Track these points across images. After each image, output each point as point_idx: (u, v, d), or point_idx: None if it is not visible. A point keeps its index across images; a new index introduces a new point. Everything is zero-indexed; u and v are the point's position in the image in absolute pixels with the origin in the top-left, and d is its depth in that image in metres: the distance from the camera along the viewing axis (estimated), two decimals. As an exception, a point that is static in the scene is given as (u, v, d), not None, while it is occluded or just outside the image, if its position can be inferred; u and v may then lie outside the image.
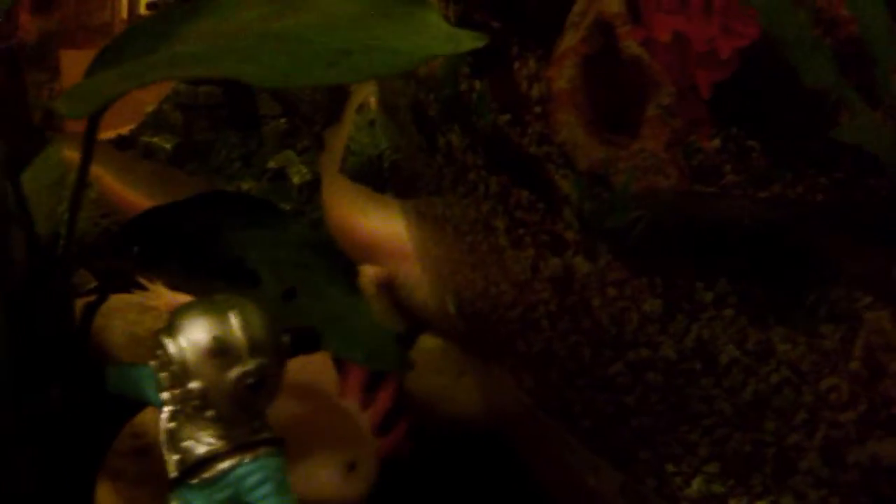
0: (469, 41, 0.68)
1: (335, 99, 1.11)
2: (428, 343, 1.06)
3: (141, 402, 0.77)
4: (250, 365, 0.66)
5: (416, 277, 1.05)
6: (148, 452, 0.87)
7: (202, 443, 0.68)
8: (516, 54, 0.90)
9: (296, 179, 1.16)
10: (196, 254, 0.71)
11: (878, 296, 0.79)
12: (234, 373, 0.65)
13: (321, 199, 1.12)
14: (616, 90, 0.85)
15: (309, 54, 0.64)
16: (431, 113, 0.97)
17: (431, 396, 1.01)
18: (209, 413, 0.67)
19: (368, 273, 1.05)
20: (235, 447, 0.68)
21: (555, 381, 0.90)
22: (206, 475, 0.68)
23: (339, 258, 0.79)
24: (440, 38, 0.69)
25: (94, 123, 0.71)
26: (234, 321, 0.66)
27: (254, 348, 0.66)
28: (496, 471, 0.95)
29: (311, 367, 0.91)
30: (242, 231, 0.74)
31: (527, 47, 0.90)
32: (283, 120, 1.17)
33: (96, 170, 1.12)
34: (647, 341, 0.84)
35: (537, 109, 0.89)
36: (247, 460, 0.68)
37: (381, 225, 1.08)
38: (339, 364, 0.93)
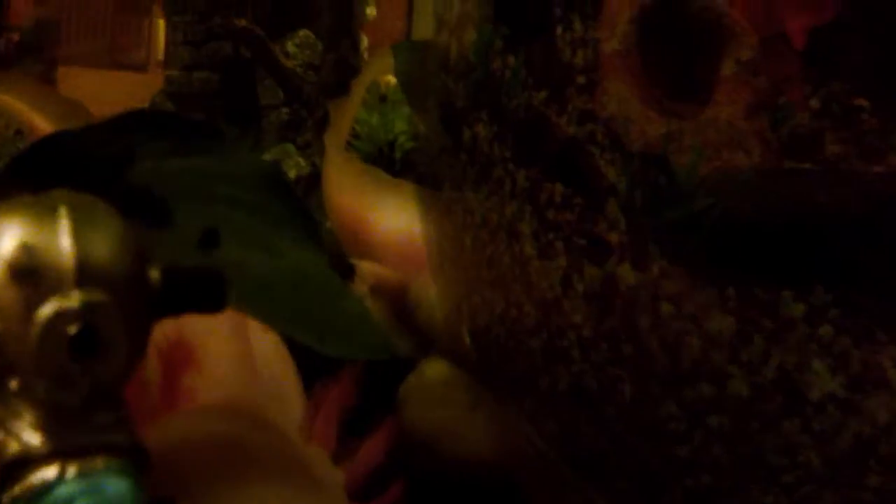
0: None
1: (341, 81, 0.95)
2: (434, 368, 0.83)
3: None
4: (75, 300, 0.41)
5: (432, 293, 0.83)
6: None
7: (13, 436, 0.44)
8: (559, 16, 0.73)
9: (292, 173, 0.98)
10: (102, 183, 0.52)
11: None
12: (47, 310, 0.41)
13: (322, 184, 0.92)
14: (681, 48, 0.68)
15: None
16: (459, 103, 0.80)
17: (434, 433, 0.79)
18: (13, 383, 0.43)
19: (367, 270, 0.84)
20: (55, 450, 0.44)
21: (584, 427, 0.69)
22: (18, 490, 0.43)
23: (298, 203, 0.59)
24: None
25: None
26: (63, 226, 0.42)
27: (87, 274, 0.41)
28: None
29: (258, 377, 0.71)
30: (167, 158, 0.55)
31: (571, 5, 0.72)
32: (284, 110, 1.01)
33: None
34: (712, 374, 0.63)
35: (581, 80, 0.71)
36: (70, 475, 0.43)
37: (394, 222, 0.87)
38: (308, 383, 0.72)
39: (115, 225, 0.44)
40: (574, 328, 0.69)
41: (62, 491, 0.44)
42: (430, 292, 0.85)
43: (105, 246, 0.42)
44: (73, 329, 0.41)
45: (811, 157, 0.63)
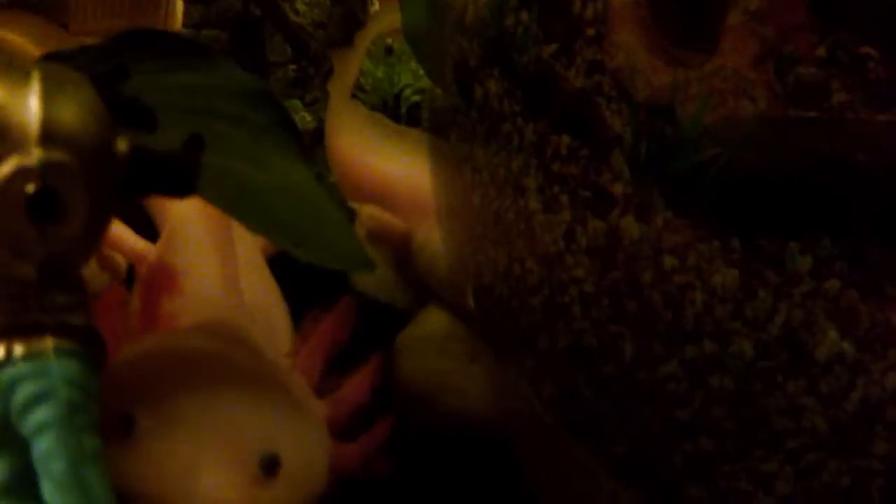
0: None
1: (348, 36, 0.93)
2: (432, 318, 0.80)
3: None
4: (35, 158, 0.39)
5: (437, 243, 0.80)
6: None
7: None
8: (570, -33, 0.70)
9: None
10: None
11: None
12: (7, 167, 0.39)
13: (325, 133, 0.89)
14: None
15: None
16: (473, 62, 0.78)
17: (430, 385, 0.76)
18: None
19: (367, 215, 0.81)
20: (4, 329, 0.42)
21: (582, 388, 0.66)
22: None
23: (285, 116, 0.58)
24: None
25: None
26: (34, 88, 0.41)
27: (51, 134, 0.40)
28: (497, 490, 0.69)
29: (243, 303, 0.69)
30: (160, 74, 0.54)
31: (583, -44, 0.70)
32: (292, 67, 0.99)
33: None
34: (715, 330, 0.60)
35: (590, 32, 0.68)
36: (17, 354, 0.41)
37: (399, 168, 0.85)
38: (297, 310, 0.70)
39: (85, 93, 0.42)
40: (576, 283, 0.66)
41: (8, 372, 0.42)
42: (432, 241, 0.81)
43: (72, 111, 0.41)
44: (31, 188, 0.39)
45: (817, 105, 0.59)
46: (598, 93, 0.69)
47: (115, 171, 0.42)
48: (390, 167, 0.86)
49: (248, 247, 0.81)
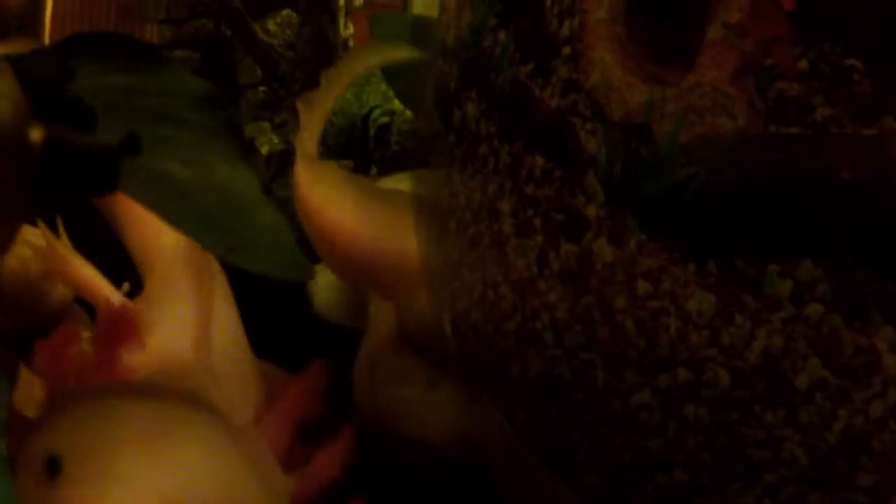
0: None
1: (318, 56, 0.91)
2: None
3: None
4: None
5: (423, 301, 0.77)
6: None
7: None
8: (548, -15, 0.68)
9: (264, 150, 0.93)
10: (39, 100, 0.49)
11: None
12: None
13: (294, 191, 0.86)
14: (668, 15, 0.62)
15: None
16: (452, 85, 0.76)
17: (390, 413, 0.73)
18: None
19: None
20: None
21: (554, 417, 0.63)
22: None
23: (231, 121, 0.56)
24: None
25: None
26: None
27: None
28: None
29: (210, 366, 0.65)
30: (106, 76, 0.52)
31: (561, -27, 0.68)
32: (262, 89, 0.97)
33: None
34: (689, 358, 0.57)
35: (566, 51, 0.66)
36: None
37: (378, 233, 0.81)
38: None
39: (1, 79, 0.40)
40: (548, 309, 0.63)
41: None
42: (419, 299, 0.78)
43: None
44: None
45: (799, 121, 0.57)
46: (574, 112, 0.66)
47: (27, 162, 0.40)
48: (369, 234, 0.82)
49: (225, 298, 0.75)
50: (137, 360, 0.63)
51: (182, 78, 0.58)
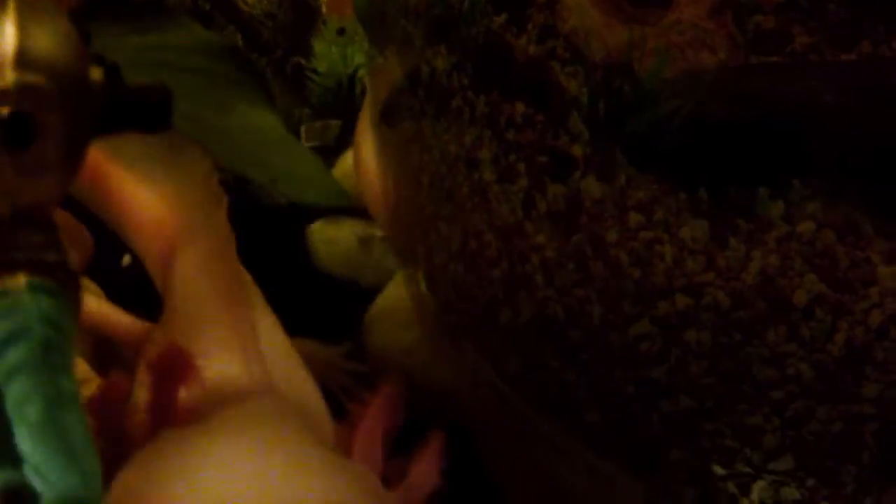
0: None
1: (299, 22, 0.90)
2: (397, 292, 0.76)
3: None
4: (10, 80, 0.38)
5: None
6: None
7: None
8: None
9: None
10: None
11: None
12: None
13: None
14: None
15: None
16: (417, 42, 0.76)
17: (400, 359, 0.72)
18: None
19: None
20: None
21: (550, 359, 0.63)
22: None
23: (251, 67, 0.56)
24: None
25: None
26: (9, 14, 0.39)
27: (26, 59, 0.39)
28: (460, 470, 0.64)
29: (276, 389, 0.58)
30: (125, 36, 0.52)
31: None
32: None
33: None
34: (687, 284, 0.58)
35: (540, -1, 0.67)
36: None
37: None
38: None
39: (61, 21, 0.41)
40: (537, 251, 0.64)
41: None
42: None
43: (48, 36, 0.40)
44: (5, 110, 0.38)
45: (779, 51, 0.58)
46: (552, 57, 0.67)
47: (90, 101, 0.41)
48: None
49: (269, 322, 0.68)
50: (197, 397, 0.57)
51: (198, 32, 0.58)
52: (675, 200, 0.60)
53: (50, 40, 0.40)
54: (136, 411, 0.57)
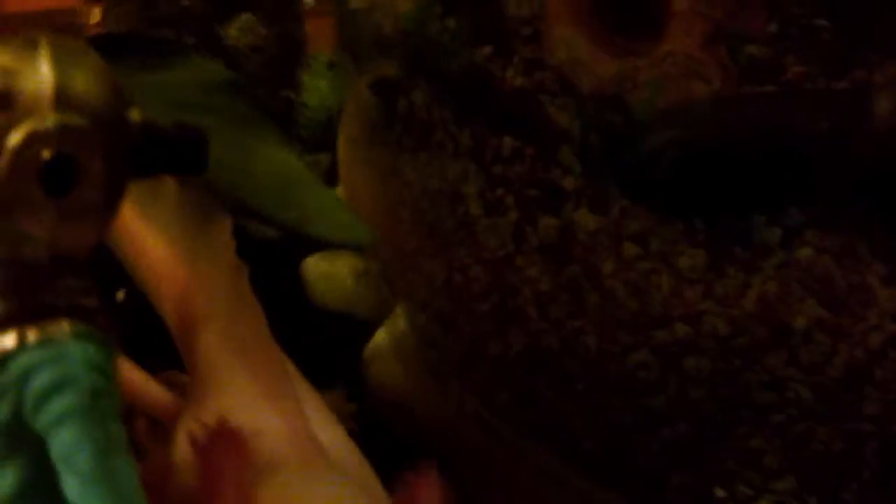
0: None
1: (287, 53, 0.89)
2: (398, 325, 0.74)
3: None
4: (50, 121, 0.37)
5: None
6: None
7: None
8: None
9: None
10: None
11: None
12: (21, 132, 0.37)
13: None
14: (632, -11, 0.65)
15: None
16: (392, 74, 0.76)
17: (401, 393, 0.70)
18: None
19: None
20: (12, 310, 0.38)
21: (543, 390, 0.62)
22: None
23: (261, 106, 0.55)
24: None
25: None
26: (43, 55, 0.38)
27: (65, 99, 0.38)
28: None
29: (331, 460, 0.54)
30: (136, 73, 0.51)
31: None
32: None
33: None
34: (685, 313, 0.59)
35: (526, 31, 0.68)
36: (31, 340, 0.37)
37: None
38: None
39: (95, 61, 0.40)
40: (529, 283, 0.63)
41: (21, 361, 0.38)
42: None
43: (85, 77, 0.39)
44: (46, 153, 0.37)
45: (772, 80, 0.60)
46: (540, 90, 0.68)
47: (129, 142, 0.40)
48: None
49: (310, 393, 0.64)
50: (248, 475, 0.53)
51: (206, 67, 0.57)
52: (670, 230, 0.60)
53: (88, 80, 0.39)
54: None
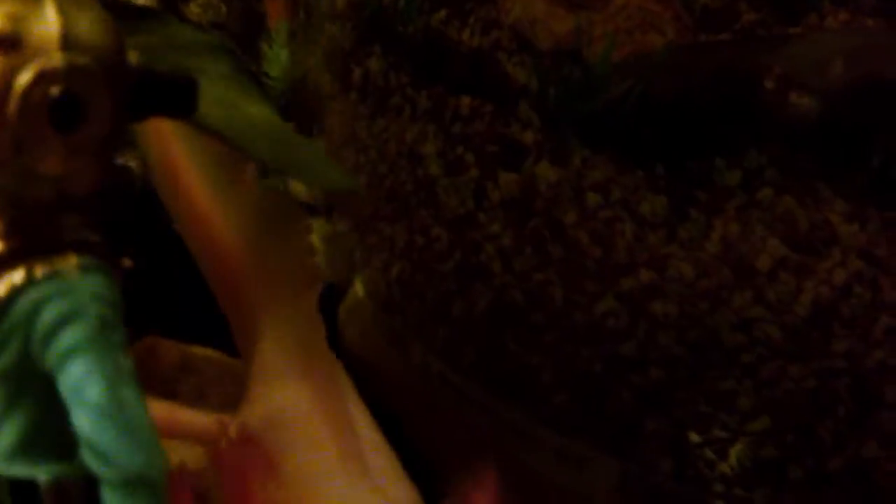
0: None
1: (250, 27, 0.89)
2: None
3: None
4: (58, 61, 0.38)
5: None
6: None
7: None
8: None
9: None
10: None
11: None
12: (30, 72, 0.38)
13: None
14: (585, -55, 0.65)
15: None
16: (346, 45, 0.75)
17: (373, 352, 0.69)
18: None
19: None
20: (20, 247, 0.39)
21: (511, 346, 0.62)
22: None
23: (242, 65, 0.56)
24: None
25: None
26: (49, 1, 0.40)
27: (71, 41, 0.39)
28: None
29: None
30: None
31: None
32: None
33: None
34: (650, 259, 0.59)
35: (481, -8, 0.68)
36: (39, 274, 0.39)
37: None
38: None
39: (97, 7, 0.41)
40: (492, 239, 0.63)
41: (30, 295, 0.38)
42: None
43: (88, 21, 0.41)
44: (55, 90, 0.38)
45: (727, 28, 0.60)
46: (497, 49, 0.68)
47: (129, 83, 0.41)
48: None
49: (364, 418, 0.61)
50: (278, 496, 0.52)
51: (187, 32, 0.57)
52: (632, 178, 0.60)
53: (91, 24, 0.40)
54: None
